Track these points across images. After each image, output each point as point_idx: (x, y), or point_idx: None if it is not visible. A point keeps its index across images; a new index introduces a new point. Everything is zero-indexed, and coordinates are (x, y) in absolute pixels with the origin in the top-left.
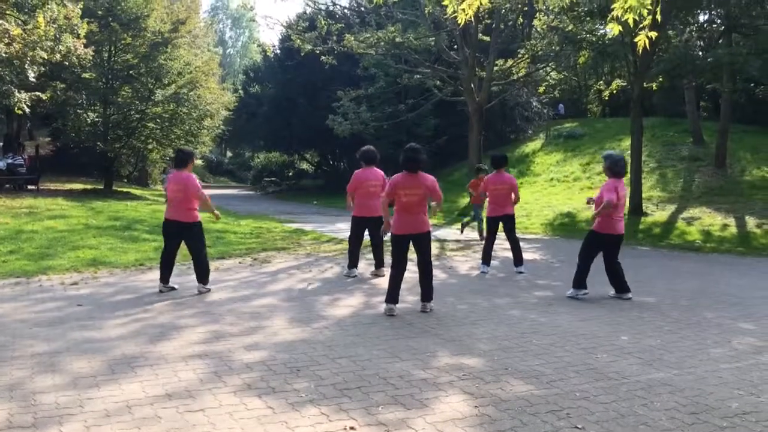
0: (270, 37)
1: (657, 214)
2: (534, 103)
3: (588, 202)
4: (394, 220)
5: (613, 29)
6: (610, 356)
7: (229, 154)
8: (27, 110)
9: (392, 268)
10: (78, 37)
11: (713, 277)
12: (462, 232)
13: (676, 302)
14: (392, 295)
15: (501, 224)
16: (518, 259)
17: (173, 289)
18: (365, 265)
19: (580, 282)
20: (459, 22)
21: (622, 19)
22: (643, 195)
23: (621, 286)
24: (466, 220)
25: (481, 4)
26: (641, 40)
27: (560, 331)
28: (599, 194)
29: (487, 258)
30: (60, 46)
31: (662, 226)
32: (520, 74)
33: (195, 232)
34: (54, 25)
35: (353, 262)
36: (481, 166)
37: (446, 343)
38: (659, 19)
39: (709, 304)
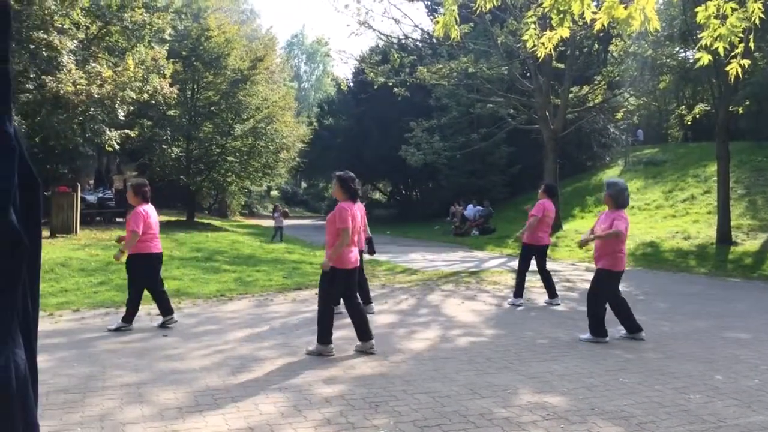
0: (343, 70)
1: (748, 243)
2: (611, 130)
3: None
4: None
5: (702, 58)
6: (704, 397)
7: (303, 184)
8: (117, 147)
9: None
10: (164, 76)
11: None
12: None
13: None
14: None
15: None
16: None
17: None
18: (440, 296)
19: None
20: (539, 56)
21: (712, 48)
22: (732, 223)
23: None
24: None
25: (561, 38)
26: (733, 68)
27: (648, 368)
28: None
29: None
30: (147, 86)
31: (754, 256)
32: (597, 101)
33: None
34: (142, 67)
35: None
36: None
37: (527, 379)
38: (752, 47)
39: None
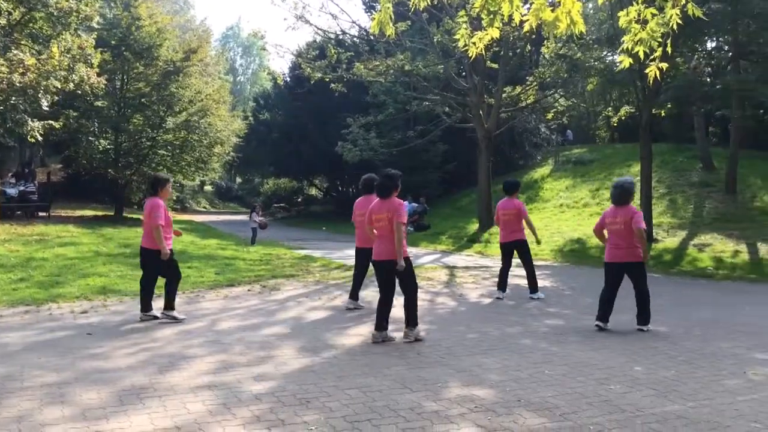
0: (280, 65)
1: (667, 240)
2: (542, 130)
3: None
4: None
5: (623, 62)
6: (624, 387)
7: (238, 180)
8: (40, 138)
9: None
10: (91, 66)
11: (727, 305)
12: None
13: (690, 332)
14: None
15: (515, 250)
16: (532, 286)
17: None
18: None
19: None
20: (470, 55)
21: (633, 52)
22: (654, 221)
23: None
24: None
25: (492, 38)
26: (652, 71)
27: (572, 361)
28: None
29: (502, 284)
30: (73, 76)
31: (673, 253)
32: (529, 101)
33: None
34: (68, 55)
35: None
36: None
37: (457, 373)
38: (669, 51)
39: (724, 334)
